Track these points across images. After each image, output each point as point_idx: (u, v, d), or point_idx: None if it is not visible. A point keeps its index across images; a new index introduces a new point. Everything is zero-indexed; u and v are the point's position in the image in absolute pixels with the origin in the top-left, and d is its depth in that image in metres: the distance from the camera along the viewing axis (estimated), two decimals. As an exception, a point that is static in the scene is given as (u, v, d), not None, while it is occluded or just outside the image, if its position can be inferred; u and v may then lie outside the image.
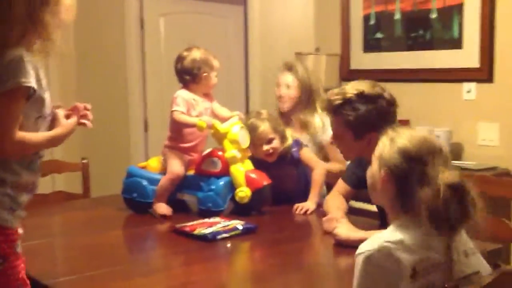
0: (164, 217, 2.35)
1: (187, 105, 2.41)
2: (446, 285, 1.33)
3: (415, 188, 1.36)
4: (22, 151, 1.56)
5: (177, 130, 2.44)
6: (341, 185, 2.32)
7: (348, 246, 1.85)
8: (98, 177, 3.24)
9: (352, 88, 2.01)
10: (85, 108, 1.73)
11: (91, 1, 4.28)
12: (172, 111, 2.40)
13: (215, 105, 2.53)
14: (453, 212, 1.31)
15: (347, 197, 2.31)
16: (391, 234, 1.38)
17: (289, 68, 2.88)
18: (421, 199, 1.33)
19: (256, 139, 2.48)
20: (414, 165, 1.39)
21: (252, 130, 2.47)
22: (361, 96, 1.98)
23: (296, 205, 2.46)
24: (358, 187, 2.27)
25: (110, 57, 4.31)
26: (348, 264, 1.86)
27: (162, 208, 2.37)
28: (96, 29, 4.30)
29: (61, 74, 4.15)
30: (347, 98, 2.00)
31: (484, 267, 1.44)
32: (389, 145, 1.44)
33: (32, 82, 1.50)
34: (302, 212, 2.42)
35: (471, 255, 1.42)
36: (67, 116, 1.68)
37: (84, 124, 1.72)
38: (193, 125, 2.35)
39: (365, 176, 2.16)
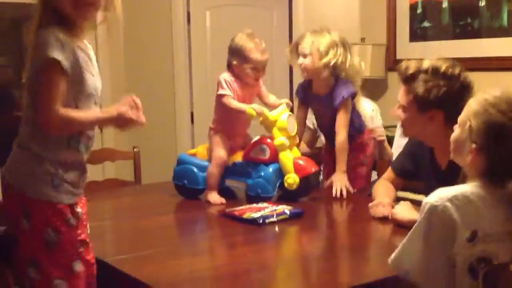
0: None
1: (231, 88, 2.43)
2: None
3: (506, 170, 1.32)
4: (68, 126, 1.59)
5: (223, 113, 2.47)
6: (389, 173, 2.31)
7: (403, 227, 1.86)
8: (145, 166, 3.32)
9: (430, 62, 1.96)
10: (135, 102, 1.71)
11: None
12: (220, 94, 2.42)
13: (263, 92, 2.55)
14: None
15: (395, 186, 2.29)
16: (466, 191, 1.33)
17: None
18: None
19: (296, 49, 2.58)
20: (508, 143, 1.34)
21: (298, 38, 2.60)
22: (436, 71, 1.94)
23: (330, 182, 2.48)
24: (404, 178, 2.26)
25: (157, 51, 4.41)
26: (396, 245, 1.88)
27: (215, 197, 2.42)
28: (143, 24, 4.40)
29: (110, 68, 4.28)
30: (422, 69, 1.95)
31: None
32: (482, 113, 1.37)
33: (59, 57, 1.53)
34: (339, 194, 2.43)
35: None
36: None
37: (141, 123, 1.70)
38: (242, 112, 2.39)
39: (413, 169, 2.14)
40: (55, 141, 1.61)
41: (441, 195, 1.33)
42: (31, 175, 1.60)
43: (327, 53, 2.52)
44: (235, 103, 2.42)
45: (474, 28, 3.49)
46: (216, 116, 2.52)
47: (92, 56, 1.72)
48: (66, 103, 1.59)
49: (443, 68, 1.93)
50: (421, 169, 2.13)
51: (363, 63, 2.99)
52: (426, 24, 3.72)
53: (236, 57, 2.43)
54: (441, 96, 1.92)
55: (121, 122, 1.67)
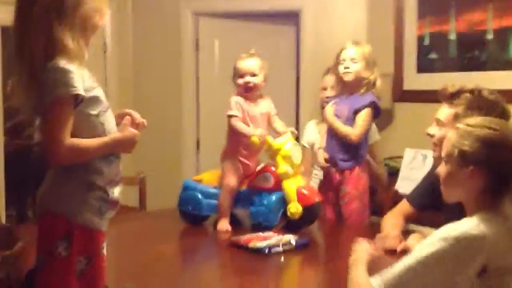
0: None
1: (241, 109, 2.44)
2: None
3: (509, 177, 1.34)
4: (76, 157, 1.58)
5: (234, 137, 2.48)
6: (404, 205, 2.27)
7: None
8: (150, 192, 3.31)
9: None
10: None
11: (148, 24, 4.44)
12: (229, 115, 2.44)
13: (272, 116, 2.54)
14: None
15: (409, 218, 2.25)
16: (475, 226, 1.34)
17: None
18: None
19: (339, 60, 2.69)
20: (505, 152, 1.37)
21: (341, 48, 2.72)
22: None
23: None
24: (422, 209, 2.23)
25: (166, 78, 4.44)
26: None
27: (222, 225, 2.41)
28: (153, 51, 4.44)
29: (119, 95, 4.31)
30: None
31: None
32: (468, 136, 1.40)
33: (74, 89, 1.54)
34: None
35: None
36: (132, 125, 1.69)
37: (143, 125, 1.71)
38: (247, 136, 2.39)
39: (432, 201, 2.10)
40: (98, 162, 1.61)
41: (456, 230, 1.34)
42: (81, 202, 1.59)
43: (374, 61, 2.68)
44: (241, 126, 2.42)
45: (481, 60, 3.51)
46: (228, 140, 2.52)
47: None
48: (95, 125, 1.60)
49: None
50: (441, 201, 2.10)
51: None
52: (433, 55, 3.74)
53: (233, 74, 2.50)
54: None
55: (128, 141, 1.66)
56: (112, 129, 1.66)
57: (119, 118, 1.70)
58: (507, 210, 1.38)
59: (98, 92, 1.64)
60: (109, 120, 1.66)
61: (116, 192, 1.67)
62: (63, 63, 1.55)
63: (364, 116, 2.60)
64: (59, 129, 1.54)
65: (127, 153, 1.68)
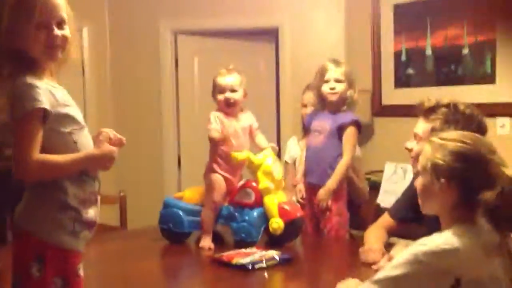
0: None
1: (222, 124, 2.43)
2: None
3: (479, 190, 1.36)
4: (46, 172, 1.54)
5: (215, 153, 2.46)
6: (385, 219, 2.28)
7: None
8: (132, 210, 3.28)
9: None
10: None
11: (127, 43, 4.44)
12: (208, 130, 2.42)
13: (254, 130, 2.53)
14: None
15: (391, 231, 2.26)
16: (449, 239, 1.36)
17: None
18: (484, 201, 1.34)
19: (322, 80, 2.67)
20: (476, 166, 1.38)
21: (322, 67, 2.69)
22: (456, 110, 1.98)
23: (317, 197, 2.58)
24: (405, 223, 2.24)
25: (145, 96, 4.44)
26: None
27: (204, 242, 2.39)
28: (132, 69, 4.44)
29: (98, 113, 4.28)
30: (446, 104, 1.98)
31: None
32: (440, 149, 1.42)
33: (40, 104, 1.51)
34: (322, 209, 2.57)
35: None
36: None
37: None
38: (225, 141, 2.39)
39: (413, 215, 2.12)
40: (70, 181, 1.57)
41: (431, 242, 1.35)
42: (53, 222, 1.56)
43: (354, 80, 2.72)
44: (217, 136, 2.40)
45: (457, 75, 3.57)
46: (211, 155, 2.50)
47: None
48: (67, 143, 1.57)
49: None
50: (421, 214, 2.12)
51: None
52: (410, 71, 3.80)
53: (212, 90, 2.50)
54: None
55: (103, 157, 1.61)
56: (87, 148, 1.62)
57: (98, 138, 1.65)
58: (481, 223, 1.39)
59: (73, 110, 1.61)
60: (83, 139, 1.62)
61: (91, 212, 1.63)
62: (29, 79, 1.53)
63: (350, 138, 2.65)
64: (27, 144, 1.50)
65: (105, 170, 1.64)
